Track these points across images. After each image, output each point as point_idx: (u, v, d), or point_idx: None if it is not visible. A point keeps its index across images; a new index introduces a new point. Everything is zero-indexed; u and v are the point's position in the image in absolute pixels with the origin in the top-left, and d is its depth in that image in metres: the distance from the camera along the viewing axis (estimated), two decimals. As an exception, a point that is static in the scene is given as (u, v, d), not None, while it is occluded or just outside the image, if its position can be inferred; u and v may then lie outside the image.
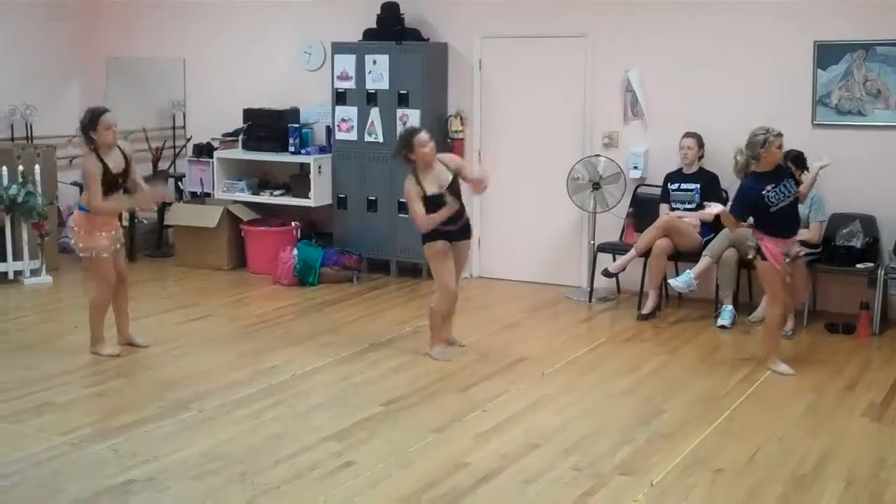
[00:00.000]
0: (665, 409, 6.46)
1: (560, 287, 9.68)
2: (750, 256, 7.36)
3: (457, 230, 7.48)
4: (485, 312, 8.90)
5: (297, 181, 10.41)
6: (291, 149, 10.43)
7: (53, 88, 11.72)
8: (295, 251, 9.92)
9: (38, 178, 9.80)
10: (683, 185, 8.96)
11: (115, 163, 7.30)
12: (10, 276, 9.87)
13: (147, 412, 6.32)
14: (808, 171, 8.31)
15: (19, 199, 9.64)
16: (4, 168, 9.63)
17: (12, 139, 11.10)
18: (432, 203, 7.31)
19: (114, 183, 7.31)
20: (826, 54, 8.66)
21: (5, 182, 9.62)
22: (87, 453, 5.69)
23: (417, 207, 7.30)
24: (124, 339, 7.72)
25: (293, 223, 10.40)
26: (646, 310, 8.70)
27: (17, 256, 9.90)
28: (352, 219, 10.40)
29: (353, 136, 10.27)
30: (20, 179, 9.70)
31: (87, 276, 7.64)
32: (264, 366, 7.30)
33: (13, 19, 11.29)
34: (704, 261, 8.44)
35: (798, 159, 8.29)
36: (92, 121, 7.23)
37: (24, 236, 9.84)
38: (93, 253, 7.31)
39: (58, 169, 10.73)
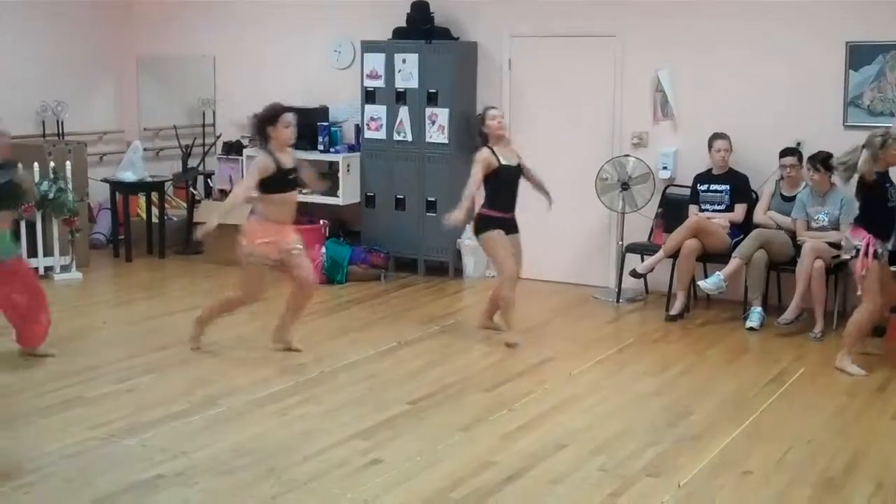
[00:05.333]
0: (693, 410, 6.43)
1: (588, 287, 9.66)
2: (847, 257, 7.29)
3: (509, 221, 7.84)
4: (513, 312, 8.87)
5: (326, 179, 10.43)
6: (320, 147, 10.46)
7: (85, 85, 11.80)
8: (323, 249, 9.94)
9: (69, 174, 9.85)
10: (713, 186, 8.92)
11: (288, 160, 7.25)
12: (41, 271, 9.93)
13: (176, 408, 6.35)
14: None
15: (50, 196, 9.69)
16: (36, 164, 9.69)
17: (44, 136, 11.18)
18: (505, 175, 7.67)
19: (287, 180, 7.22)
20: (858, 55, 8.61)
21: (37, 178, 9.68)
22: (116, 448, 5.72)
23: (477, 172, 7.62)
24: (283, 341, 7.63)
25: (321, 221, 10.43)
26: (674, 311, 8.67)
27: (48, 252, 9.96)
28: (380, 217, 10.42)
29: (381, 134, 10.29)
30: (51, 176, 9.75)
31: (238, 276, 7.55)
32: (292, 363, 7.32)
33: (45, 17, 11.36)
34: (734, 262, 8.40)
35: (827, 161, 8.24)
36: (272, 117, 7.20)
37: (55, 232, 9.91)
38: (251, 257, 7.20)
39: (88, 166, 10.80)
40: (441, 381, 6.98)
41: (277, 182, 7.14)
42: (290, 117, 7.26)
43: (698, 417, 6.31)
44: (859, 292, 7.23)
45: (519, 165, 7.95)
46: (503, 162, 7.76)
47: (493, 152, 7.74)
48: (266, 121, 7.21)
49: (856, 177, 7.10)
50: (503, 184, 7.79)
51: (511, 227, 7.88)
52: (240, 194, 7.24)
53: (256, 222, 7.24)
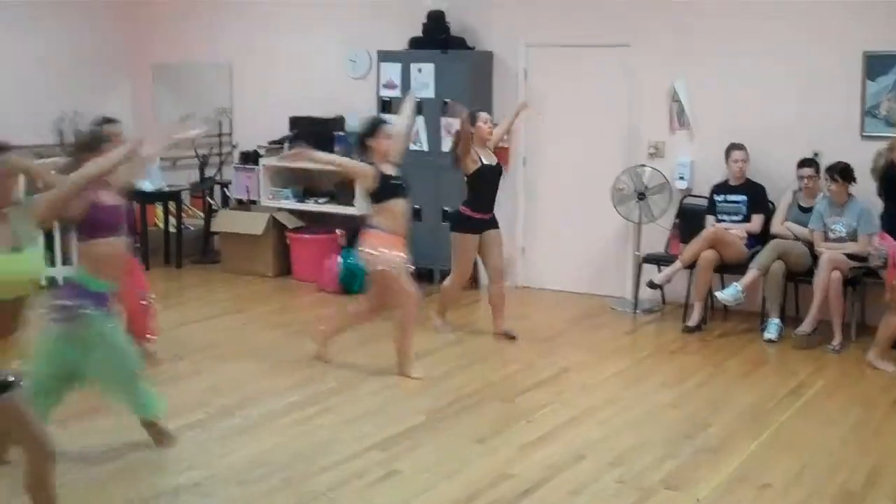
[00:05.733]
0: (711, 422, 6.41)
1: (605, 298, 9.64)
2: (879, 265, 7.28)
3: (489, 221, 8.25)
4: (529, 322, 8.87)
5: (342, 189, 10.44)
6: (337, 157, 10.47)
7: (101, 95, 11.83)
8: (340, 259, 9.95)
9: (86, 183, 9.87)
10: (730, 197, 8.90)
11: (391, 170, 7.27)
12: (60, 281, 9.94)
13: (193, 418, 6.36)
14: (855, 182, 8.27)
15: (68, 205, 9.72)
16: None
17: (61, 145, 11.21)
18: (487, 174, 8.08)
19: (394, 187, 7.24)
20: (875, 65, 8.58)
21: (54, 187, 9.71)
22: (134, 458, 5.73)
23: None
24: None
25: (338, 231, 10.43)
26: (691, 322, 8.65)
27: (66, 261, 9.98)
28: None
29: (398, 144, 10.29)
30: (69, 185, 9.78)
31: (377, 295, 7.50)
32: (310, 373, 7.32)
33: (61, 26, 11.43)
34: (752, 273, 8.37)
35: (845, 172, 8.23)
36: (372, 129, 7.29)
37: (73, 241, 9.92)
38: (386, 269, 7.20)
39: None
40: (458, 391, 6.97)
41: (384, 190, 7.20)
42: (389, 129, 7.36)
43: (716, 430, 6.29)
44: (887, 297, 7.23)
45: (499, 164, 8.40)
46: (485, 161, 8.14)
47: (476, 152, 8.12)
48: (366, 134, 7.31)
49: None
50: (485, 183, 8.19)
51: (489, 225, 8.30)
52: (336, 160, 7.85)
53: (373, 234, 7.25)
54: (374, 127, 7.34)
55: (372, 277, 7.43)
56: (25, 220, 4.37)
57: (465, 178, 8.23)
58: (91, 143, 5.73)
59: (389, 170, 7.25)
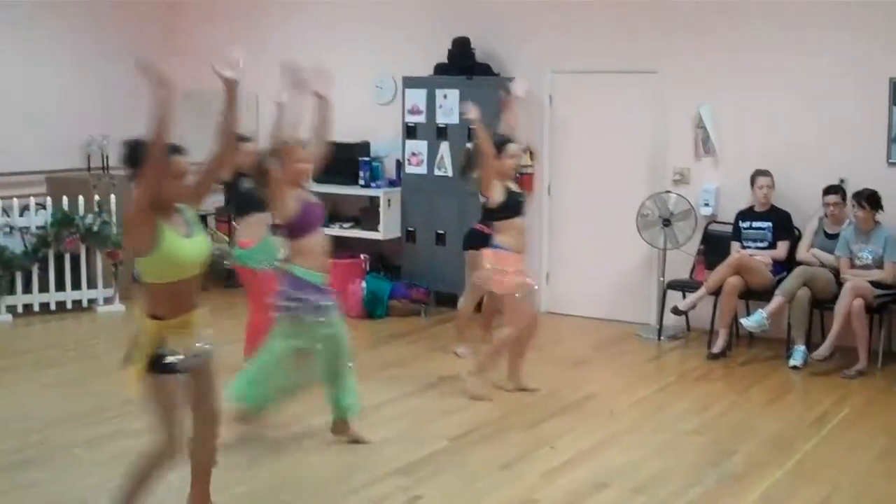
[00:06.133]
0: (735, 450, 6.38)
1: (629, 324, 9.62)
2: None
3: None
4: (553, 348, 8.86)
5: (367, 214, 10.48)
6: (361, 182, 10.51)
7: (129, 119, 11.80)
8: (363, 283, 9.97)
9: (113, 207, 9.97)
10: (755, 224, 8.88)
11: (514, 187, 7.36)
12: (84, 303, 10.03)
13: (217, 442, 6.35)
14: (882, 209, 8.24)
15: (94, 228, 9.82)
16: (80, 197, 9.82)
17: (89, 169, 11.31)
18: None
19: (519, 204, 7.32)
20: (902, 92, 8.57)
21: (81, 211, 9.80)
22: (157, 481, 5.73)
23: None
24: (516, 382, 7.65)
25: (362, 255, 10.46)
26: (716, 349, 8.61)
27: (92, 285, 10.06)
28: (420, 252, 10.43)
29: (422, 169, 10.33)
30: (95, 209, 9.87)
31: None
32: (332, 398, 7.32)
33: (89, 51, 11.53)
34: (777, 300, 8.34)
35: (872, 198, 8.21)
36: (498, 147, 7.27)
37: (99, 265, 10.01)
38: (510, 290, 7.24)
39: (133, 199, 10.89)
40: (482, 417, 6.96)
41: (509, 207, 7.23)
42: (514, 148, 7.36)
43: (741, 457, 6.26)
44: None
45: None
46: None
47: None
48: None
49: None
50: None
51: None
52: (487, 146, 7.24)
53: (494, 253, 7.28)
54: (500, 145, 7.31)
55: (497, 297, 7.48)
56: (190, 209, 4.89)
57: (485, 204, 7.76)
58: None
59: (513, 186, 7.31)
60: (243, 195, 7.46)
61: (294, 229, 6.12)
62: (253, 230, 7.51)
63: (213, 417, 5.00)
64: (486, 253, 7.33)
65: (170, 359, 4.63)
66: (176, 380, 4.69)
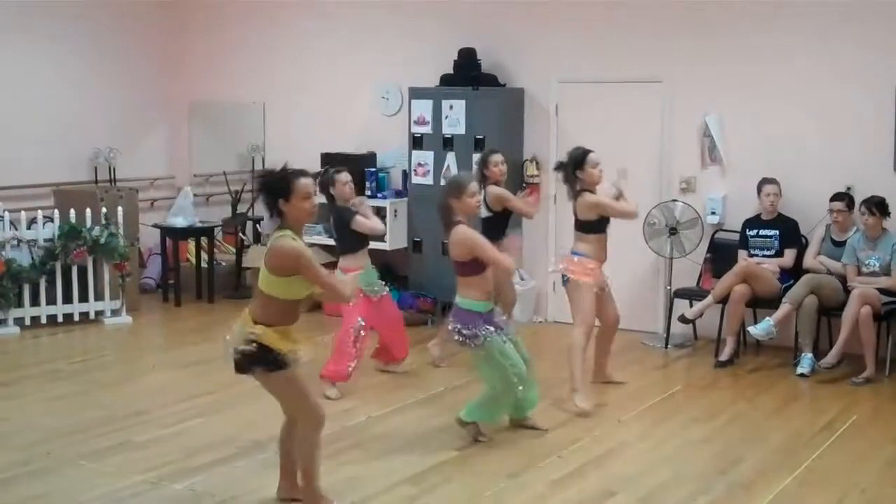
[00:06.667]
0: (743, 458, 6.37)
1: (636, 333, 9.59)
2: None
3: None
4: (560, 357, 8.82)
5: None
6: (368, 192, 10.51)
7: (137, 132, 11.96)
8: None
9: (120, 219, 9.98)
10: (762, 232, 8.87)
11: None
12: (92, 315, 10.04)
13: (224, 452, 6.37)
14: (889, 216, 8.24)
15: (102, 241, 9.83)
16: (88, 210, 9.83)
17: (96, 182, 11.35)
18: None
19: (608, 220, 7.60)
20: (908, 99, 8.56)
21: (88, 223, 9.82)
22: (165, 492, 5.75)
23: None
24: (604, 377, 8.08)
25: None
26: (723, 357, 8.60)
27: (99, 297, 10.08)
28: (427, 262, 10.43)
29: (429, 180, 10.32)
30: (103, 221, 9.89)
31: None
32: (340, 408, 7.32)
33: (98, 63, 11.56)
34: (784, 308, 8.32)
35: (881, 205, 8.20)
36: (580, 159, 7.48)
37: (106, 277, 10.03)
38: (582, 287, 7.47)
39: (139, 211, 10.93)
40: (489, 426, 6.94)
41: (603, 221, 7.54)
42: (596, 158, 7.52)
43: (749, 465, 6.24)
44: None
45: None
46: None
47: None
48: (577, 165, 7.49)
49: None
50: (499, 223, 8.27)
51: None
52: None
53: (579, 260, 7.50)
54: (582, 157, 7.50)
55: (578, 298, 7.54)
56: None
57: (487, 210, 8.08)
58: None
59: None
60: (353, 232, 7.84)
61: (466, 267, 6.46)
62: (358, 260, 7.86)
63: (309, 420, 5.46)
64: (572, 261, 7.54)
65: (290, 357, 5.22)
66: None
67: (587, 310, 7.49)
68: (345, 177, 7.91)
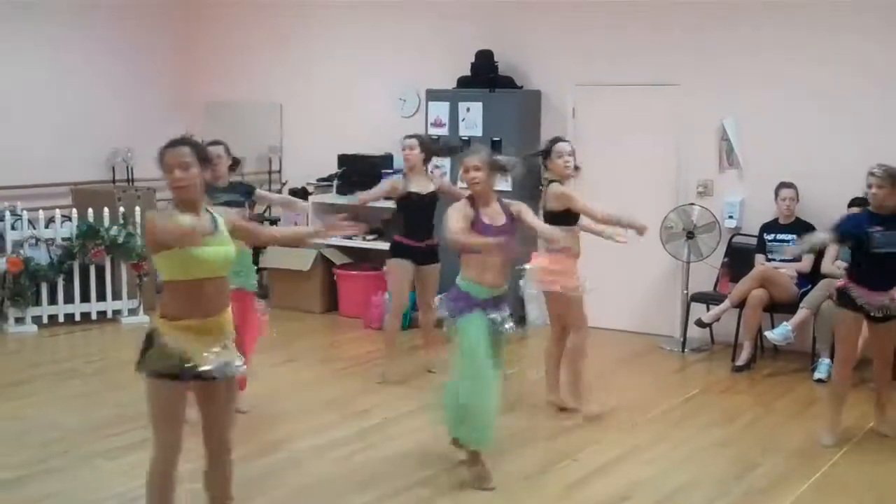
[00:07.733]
0: (760, 463, 6.34)
1: (653, 336, 9.59)
2: None
3: (422, 250, 8.13)
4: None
5: (390, 226, 10.46)
6: (385, 194, 10.50)
7: (154, 132, 11.85)
8: (386, 295, 9.94)
9: (138, 219, 10.01)
10: (780, 236, 8.84)
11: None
12: (109, 315, 10.07)
13: (239, 452, 6.31)
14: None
15: (119, 240, 9.86)
16: (105, 209, 9.86)
17: (114, 181, 11.38)
18: (416, 201, 7.95)
19: (576, 214, 7.15)
20: (929, 103, 8.52)
21: (106, 223, 9.84)
22: (179, 492, 5.73)
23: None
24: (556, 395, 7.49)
25: (385, 268, 10.43)
26: (740, 361, 8.57)
27: (116, 296, 10.10)
28: (444, 265, 10.36)
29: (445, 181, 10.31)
30: (121, 221, 9.91)
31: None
32: (356, 409, 7.33)
33: (116, 64, 11.61)
34: (802, 312, 8.29)
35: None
36: (548, 149, 7.20)
37: (124, 276, 10.05)
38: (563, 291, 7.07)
39: (157, 211, 10.94)
40: (504, 429, 6.88)
41: (568, 215, 7.11)
42: (564, 147, 7.18)
43: (766, 470, 6.22)
44: None
45: (433, 192, 8.12)
46: (413, 189, 8.03)
47: (405, 177, 8.14)
48: (545, 153, 7.24)
49: None
50: (413, 211, 8.09)
51: (424, 258, 8.19)
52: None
53: (548, 259, 7.11)
54: (550, 146, 7.24)
55: (566, 307, 7.16)
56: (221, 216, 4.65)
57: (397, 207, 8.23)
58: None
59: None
60: None
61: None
62: None
63: (223, 447, 4.75)
64: (537, 258, 7.22)
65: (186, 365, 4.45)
66: (176, 388, 4.50)
67: (575, 315, 7.13)
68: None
